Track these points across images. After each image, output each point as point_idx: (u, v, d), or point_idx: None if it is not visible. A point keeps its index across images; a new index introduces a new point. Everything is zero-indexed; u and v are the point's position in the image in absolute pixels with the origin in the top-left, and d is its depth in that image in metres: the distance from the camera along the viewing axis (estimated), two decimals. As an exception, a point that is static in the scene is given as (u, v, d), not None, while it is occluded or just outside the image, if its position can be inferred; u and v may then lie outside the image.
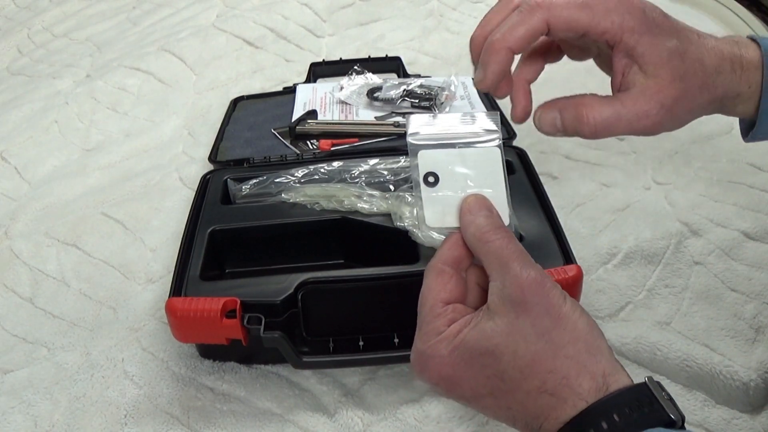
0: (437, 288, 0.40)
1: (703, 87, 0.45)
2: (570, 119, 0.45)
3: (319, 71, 0.96)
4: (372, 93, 0.85)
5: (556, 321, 0.36)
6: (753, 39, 0.47)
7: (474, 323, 0.38)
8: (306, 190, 0.64)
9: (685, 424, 0.35)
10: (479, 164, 0.44)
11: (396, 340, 0.55)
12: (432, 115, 0.45)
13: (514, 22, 0.44)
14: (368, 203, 0.61)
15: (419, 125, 0.45)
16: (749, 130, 0.49)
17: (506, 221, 0.42)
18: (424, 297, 0.40)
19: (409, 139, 0.44)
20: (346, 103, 0.86)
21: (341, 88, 0.88)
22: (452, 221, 0.43)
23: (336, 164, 0.67)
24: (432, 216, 0.43)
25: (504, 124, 0.80)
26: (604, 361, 0.36)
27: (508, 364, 0.36)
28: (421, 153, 0.44)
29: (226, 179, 0.68)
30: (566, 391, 0.35)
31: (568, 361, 0.36)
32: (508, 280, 0.37)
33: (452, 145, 0.44)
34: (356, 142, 0.77)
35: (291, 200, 0.63)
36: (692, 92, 0.44)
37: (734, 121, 0.86)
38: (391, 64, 0.95)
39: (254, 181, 0.67)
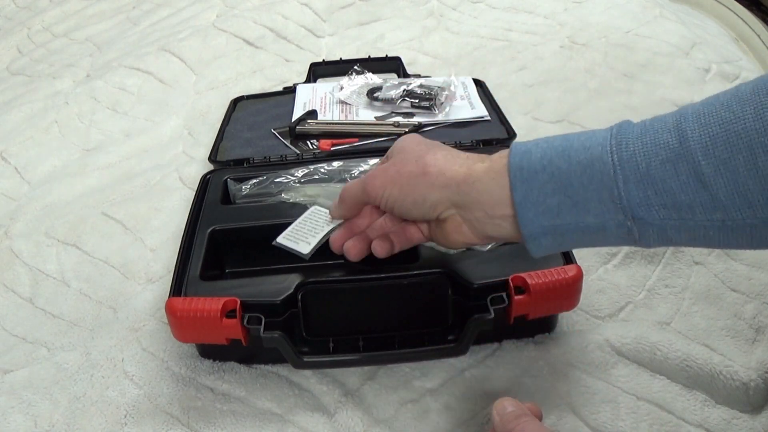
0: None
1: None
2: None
3: (319, 71, 0.96)
4: (372, 93, 0.85)
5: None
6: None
7: None
8: (306, 190, 0.64)
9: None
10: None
11: (396, 340, 0.55)
12: None
13: None
14: None
15: None
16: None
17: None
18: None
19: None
20: (346, 103, 0.86)
21: (341, 88, 0.88)
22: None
23: (336, 164, 0.67)
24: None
25: (503, 123, 0.80)
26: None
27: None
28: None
29: (226, 179, 0.68)
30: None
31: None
32: None
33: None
34: (356, 142, 0.77)
35: (291, 200, 0.63)
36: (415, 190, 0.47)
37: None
38: (391, 64, 0.95)
39: (254, 181, 0.67)
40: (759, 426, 0.52)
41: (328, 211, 0.57)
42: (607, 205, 0.40)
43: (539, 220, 0.42)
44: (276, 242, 0.56)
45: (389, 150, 0.52)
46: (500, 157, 0.44)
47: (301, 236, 0.56)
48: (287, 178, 0.66)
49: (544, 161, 0.41)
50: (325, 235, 0.55)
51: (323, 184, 0.64)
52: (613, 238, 0.41)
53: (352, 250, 0.53)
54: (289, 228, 0.57)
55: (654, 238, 0.40)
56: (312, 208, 0.59)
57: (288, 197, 0.64)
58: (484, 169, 0.44)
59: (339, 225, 0.55)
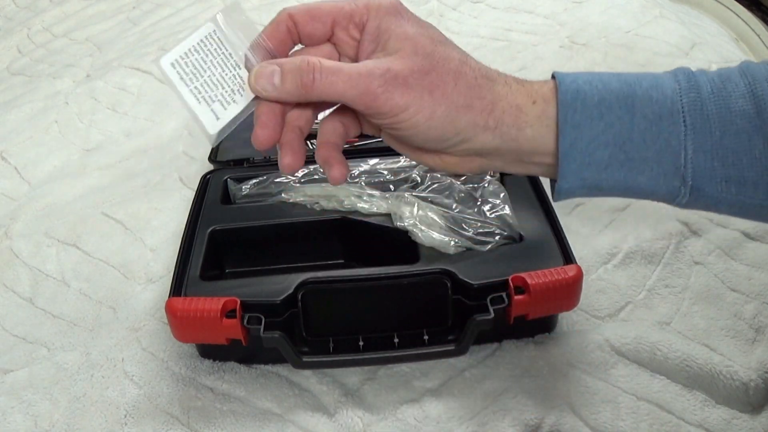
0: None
1: (470, 98, 0.37)
2: (293, 70, 0.37)
3: (319, 71, 0.96)
4: (372, 93, 0.85)
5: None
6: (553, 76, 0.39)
7: None
8: (306, 189, 0.64)
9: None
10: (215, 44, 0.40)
11: (396, 340, 0.55)
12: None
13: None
14: (368, 203, 0.61)
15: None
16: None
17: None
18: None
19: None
20: (346, 103, 0.85)
21: (341, 88, 0.88)
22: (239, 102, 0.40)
23: None
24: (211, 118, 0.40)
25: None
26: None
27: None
28: (162, 61, 0.40)
29: (226, 179, 0.68)
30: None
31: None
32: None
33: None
34: (356, 141, 0.77)
35: (291, 200, 0.63)
36: (445, 87, 0.36)
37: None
38: (391, 64, 0.94)
39: (254, 181, 0.67)
40: (759, 426, 0.52)
41: (240, 64, 0.40)
42: (667, 168, 0.36)
43: (582, 172, 0.37)
44: (163, 67, 0.41)
45: (373, 27, 0.38)
46: (549, 90, 0.37)
47: (204, 87, 0.41)
48: (287, 178, 0.66)
49: (602, 107, 0.36)
50: (239, 114, 0.43)
51: (323, 184, 0.64)
52: (654, 198, 0.38)
53: (285, 161, 0.41)
54: (181, 51, 0.40)
55: (699, 207, 0.37)
56: (211, 31, 0.40)
57: (288, 197, 0.64)
58: (537, 114, 0.37)
59: (252, 101, 0.41)
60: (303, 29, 0.39)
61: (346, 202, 0.61)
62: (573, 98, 0.36)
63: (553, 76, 0.38)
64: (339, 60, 0.40)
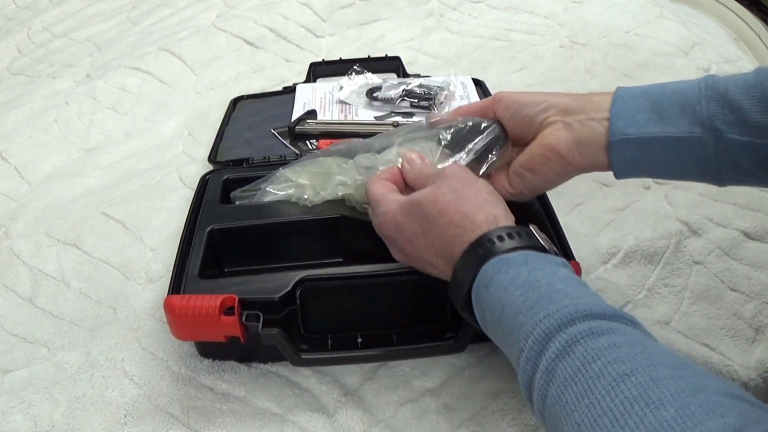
0: (386, 185, 0.55)
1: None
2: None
3: (318, 71, 0.96)
4: (371, 93, 0.85)
5: (466, 184, 0.50)
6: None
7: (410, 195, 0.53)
8: (291, 174, 0.63)
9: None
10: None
11: (394, 338, 0.55)
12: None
13: None
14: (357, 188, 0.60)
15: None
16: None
17: None
18: (377, 186, 0.55)
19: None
20: (346, 103, 0.86)
21: (341, 88, 0.88)
22: None
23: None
24: None
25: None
26: (498, 211, 0.48)
27: (430, 208, 0.49)
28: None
29: (226, 179, 0.68)
30: (467, 223, 0.47)
31: (470, 204, 0.48)
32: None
33: None
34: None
35: (278, 192, 0.62)
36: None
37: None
38: (391, 64, 0.95)
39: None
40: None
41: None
42: (688, 118, 0.47)
43: (627, 129, 0.49)
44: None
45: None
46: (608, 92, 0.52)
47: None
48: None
49: (640, 90, 0.50)
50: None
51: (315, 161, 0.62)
52: (689, 154, 0.48)
53: None
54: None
55: (725, 157, 0.47)
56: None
57: (275, 189, 0.63)
58: (596, 94, 0.53)
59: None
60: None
61: (338, 187, 0.60)
62: (623, 91, 0.51)
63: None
64: None
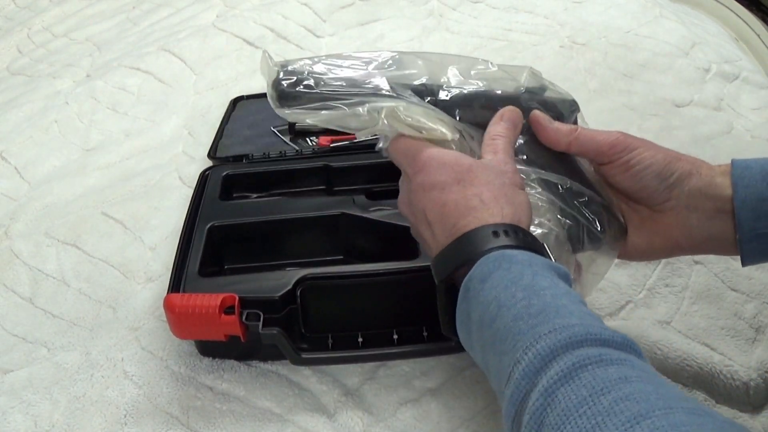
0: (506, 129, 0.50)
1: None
2: None
3: (319, 71, 0.96)
4: (372, 92, 0.85)
5: (513, 183, 0.46)
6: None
7: None
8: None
9: None
10: None
11: (395, 337, 0.55)
12: None
13: None
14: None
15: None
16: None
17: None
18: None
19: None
20: (346, 103, 0.85)
21: (341, 87, 0.88)
22: None
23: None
24: None
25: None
26: (520, 213, 0.45)
27: (474, 174, 0.46)
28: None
29: (226, 175, 0.68)
30: (493, 204, 0.44)
31: (503, 195, 0.45)
32: None
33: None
34: (354, 138, 0.77)
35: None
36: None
37: (734, 121, 0.86)
38: (391, 64, 0.94)
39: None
40: (759, 426, 0.52)
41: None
42: None
43: (754, 224, 0.45)
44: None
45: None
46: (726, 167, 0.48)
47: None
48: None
49: (764, 172, 0.46)
50: None
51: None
52: None
53: None
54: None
55: None
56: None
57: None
58: (722, 170, 0.48)
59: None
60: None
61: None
62: (742, 171, 0.47)
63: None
64: None
